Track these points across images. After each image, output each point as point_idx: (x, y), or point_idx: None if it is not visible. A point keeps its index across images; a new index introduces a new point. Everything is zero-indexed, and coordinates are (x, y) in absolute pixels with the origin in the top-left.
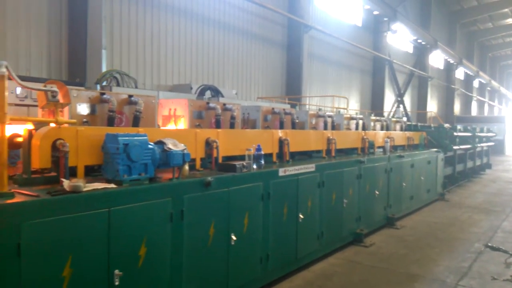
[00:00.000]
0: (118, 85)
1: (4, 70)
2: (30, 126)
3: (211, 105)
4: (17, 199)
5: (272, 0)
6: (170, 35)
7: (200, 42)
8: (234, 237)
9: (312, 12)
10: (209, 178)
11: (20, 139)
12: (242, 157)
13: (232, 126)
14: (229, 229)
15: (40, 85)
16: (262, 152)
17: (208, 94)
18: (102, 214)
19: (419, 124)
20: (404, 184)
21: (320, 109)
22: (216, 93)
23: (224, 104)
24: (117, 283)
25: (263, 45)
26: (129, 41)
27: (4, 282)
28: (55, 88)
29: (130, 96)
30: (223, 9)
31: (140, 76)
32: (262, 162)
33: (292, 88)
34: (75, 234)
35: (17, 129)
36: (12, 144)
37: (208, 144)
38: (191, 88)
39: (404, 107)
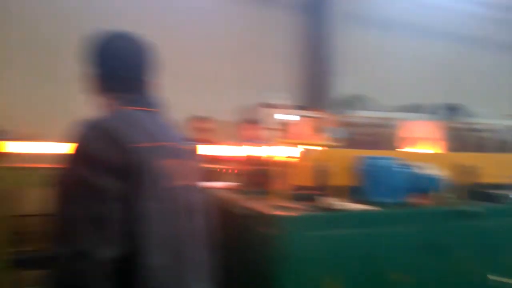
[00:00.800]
0: (357, 108)
1: (276, 100)
2: (293, 148)
3: (458, 125)
4: (290, 212)
5: None
6: (393, 54)
7: (423, 58)
8: (494, 278)
9: None
10: (476, 209)
11: (287, 159)
12: (501, 186)
13: (483, 149)
14: (489, 268)
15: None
16: None
17: (444, 112)
18: (358, 234)
19: None
20: None
21: None
22: (459, 112)
23: (473, 124)
24: None
25: (505, 54)
26: (352, 64)
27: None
28: (316, 114)
29: (374, 118)
30: (448, 18)
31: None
32: None
33: None
34: (333, 250)
35: (279, 151)
36: (280, 163)
37: (462, 169)
38: (422, 107)
39: None
